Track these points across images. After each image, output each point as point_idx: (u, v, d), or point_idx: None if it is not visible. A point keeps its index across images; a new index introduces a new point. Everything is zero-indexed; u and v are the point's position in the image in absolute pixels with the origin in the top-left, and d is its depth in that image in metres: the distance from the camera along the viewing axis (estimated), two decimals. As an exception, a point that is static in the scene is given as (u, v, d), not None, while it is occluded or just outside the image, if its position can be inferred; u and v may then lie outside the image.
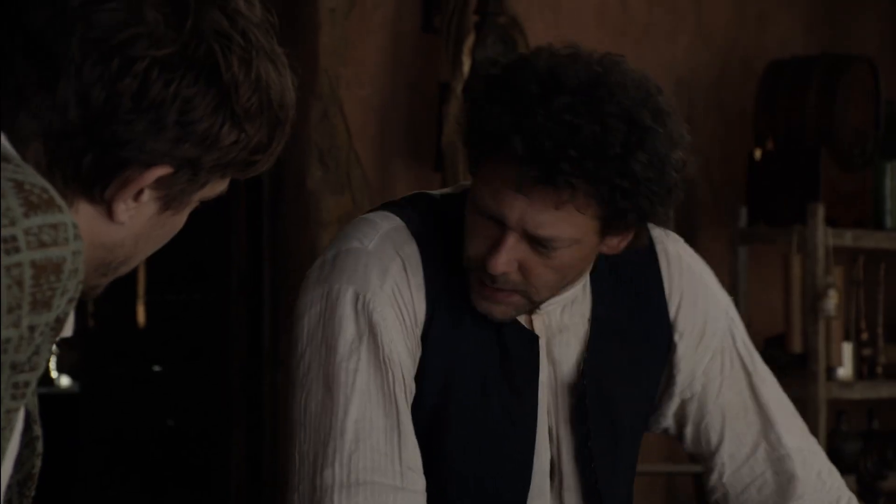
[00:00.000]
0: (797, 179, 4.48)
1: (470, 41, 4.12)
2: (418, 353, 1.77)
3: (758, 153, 4.56)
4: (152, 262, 5.05)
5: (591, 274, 1.84)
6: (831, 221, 4.49)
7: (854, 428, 4.65)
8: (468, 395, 1.78)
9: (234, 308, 4.30)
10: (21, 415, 1.26)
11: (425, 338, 1.76)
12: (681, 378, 1.90)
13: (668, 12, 4.71)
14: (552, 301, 1.80)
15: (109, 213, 1.26)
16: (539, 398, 1.81)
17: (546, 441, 1.82)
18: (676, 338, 1.89)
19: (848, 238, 4.55)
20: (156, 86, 1.22)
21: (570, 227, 1.69)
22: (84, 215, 1.26)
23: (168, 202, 1.28)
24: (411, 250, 1.76)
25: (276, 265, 4.21)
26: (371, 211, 1.83)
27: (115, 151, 1.23)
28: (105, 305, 5.02)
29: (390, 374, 1.74)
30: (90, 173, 1.24)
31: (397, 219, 1.78)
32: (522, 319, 1.81)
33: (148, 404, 4.80)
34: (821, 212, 4.43)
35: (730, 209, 4.65)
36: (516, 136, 1.65)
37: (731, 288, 4.51)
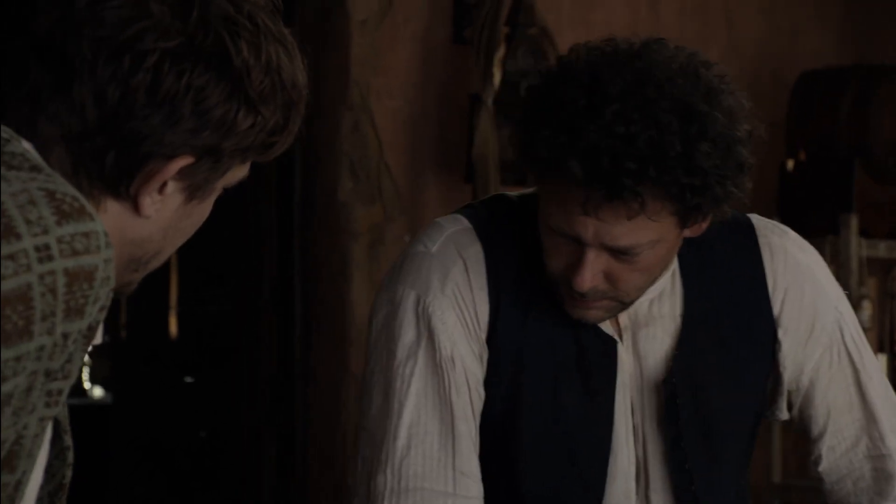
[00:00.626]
0: (830, 190, 4.46)
1: (501, 52, 4.12)
2: (485, 356, 1.75)
3: (790, 164, 4.54)
4: (184, 272, 5.07)
5: (681, 269, 1.81)
6: (864, 232, 4.46)
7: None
8: (539, 396, 1.76)
9: (265, 318, 4.31)
10: (49, 424, 1.26)
11: (490, 340, 1.75)
12: (787, 374, 1.86)
13: (700, 24, 4.70)
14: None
15: (136, 208, 1.27)
16: (617, 399, 1.77)
17: (627, 442, 1.78)
18: (781, 334, 1.85)
19: (881, 249, 4.52)
20: (168, 78, 1.23)
21: (647, 232, 1.66)
22: (112, 213, 1.27)
23: (193, 192, 1.29)
24: (475, 251, 1.76)
25: (306, 276, 4.22)
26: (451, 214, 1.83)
27: (135, 147, 1.24)
28: (137, 316, 5.04)
29: (447, 377, 1.73)
30: (114, 171, 1.25)
31: (465, 221, 1.78)
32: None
33: (179, 415, 4.81)
34: (854, 223, 4.41)
35: (762, 220, 4.63)
36: (572, 159, 1.61)
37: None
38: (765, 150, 5.34)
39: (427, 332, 1.73)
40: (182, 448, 4.79)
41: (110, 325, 5.58)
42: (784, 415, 1.90)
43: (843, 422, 1.88)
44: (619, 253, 1.67)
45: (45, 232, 1.14)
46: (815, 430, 1.89)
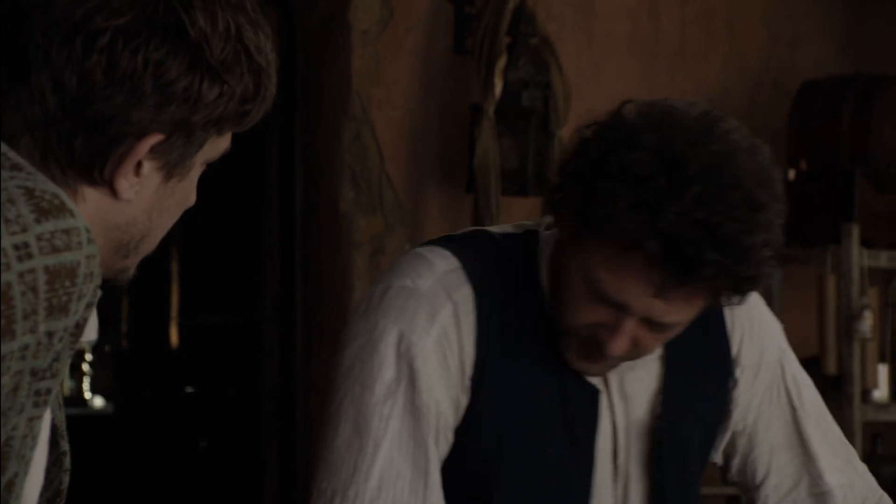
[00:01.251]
0: (832, 200, 4.46)
1: (502, 62, 4.12)
2: (464, 402, 1.72)
3: (792, 174, 4.54)
4: (185, 283, 5.05)
5: None
6: (866, 242, 4.46)
7: (890, 451, 4.61)
8: (521, 445, 1.73)
9: (267, 329, 4.30)
10: (47, 426, 1.26)
11: (477, 385, 1.71)
12: (736, 413, 1.87)
13: (701, 34, 4.70)
14: None
15: (114, 193, 1.25)
16: (599, 446, 1.77)
17: (608, 487, 1.78)
18: (738, 373, 1.86)
19: (883, 259, 4.51)
20: (124, 56, 1.21)
21: (694, 311, 1.67)
22: (91, 201, 1.25)
23: (171, 169, 1.27)
24: (465, 294, 1.71)
25: (308, 286, 4.21)
26: (427, 244, 1.77)
27: (102, 129, 1.22)
28: (138, 326, 5.03)
29: (425, 421, 1.69)
30: (84, 156, 1.23)
31: (455, 260, 1.72)
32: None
33: (180, 425, 4.81)
34: (856, 232, 4.40)
35: (763, 230, 4.63)
36: (651, 238, 1.58)
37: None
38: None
39: (408, 372, 1.69)
40: (183, 458, 4.79)
41: (112, 335, 5.58)
42: (718, 457, 1.90)
43: (783, 460, 1.89)
44: (658, 326, 1.67)
45: (24, 230, 1.13)
46: (761, 472, 1.88)
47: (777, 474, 1.88)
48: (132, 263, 1.32)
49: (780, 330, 1.92)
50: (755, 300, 1.89)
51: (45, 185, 1.17)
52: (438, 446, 1.72)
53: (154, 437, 4.94)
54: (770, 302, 4.56)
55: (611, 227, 1.61)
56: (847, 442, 1.94)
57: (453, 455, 1.74)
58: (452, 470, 1.73)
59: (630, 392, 1.79)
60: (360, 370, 1.70)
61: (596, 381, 1.77)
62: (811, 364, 4.47)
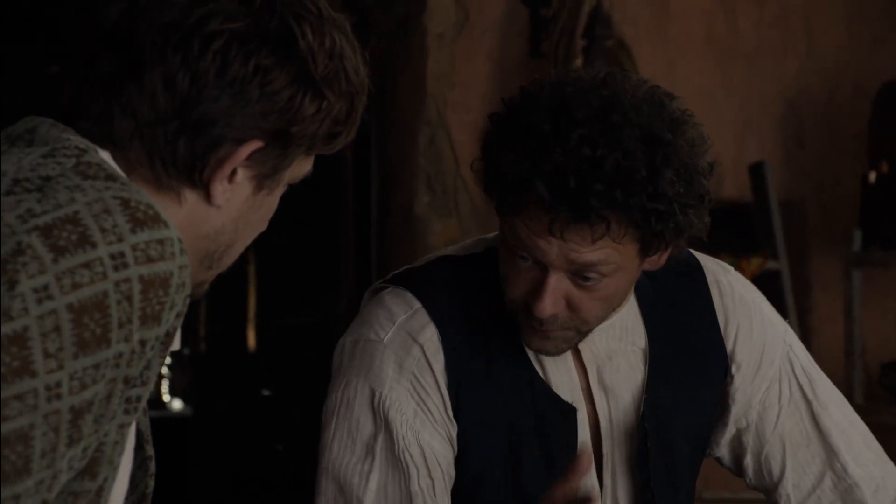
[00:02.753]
0: (912, 203, 4.40)
1: (578, 65, 4.11)
2: (455, 433, 1.74)
3: (872, 176, 4.49)
4: (263, 286, 5.08)
5: (641, 307, 1.81)
6: (948, 245, 4.39)
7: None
8: (500, 469, 1.75)
9: (343, 331, 4.32)
10: (133, 432, 1.28)
11: (457, 416, 1.73)
12: (735, 408, 1.84)
13: (779, 34, 4.66)
14: (597, 328, 1.76)
15: (208, 197, 1.28)
16: (581, 447, 1.75)
17: (594, 490, 1.76)
18: (734, 370, 1.84)
19: (965, 262, 4.45)
20: (236, 60, 1.24)
21: (610, 256, 1.66)
22: (188, 203, 1.28)
23: (261, 180, 1.30)
24: (430, 334, 1.74)
25: (383, 290, 4.22)
26: (390, 282, 1.80)
27: (206, 130, 1.25)
28: (216, 329, 5.07)
29: (405, 469, 1.72)
30: (187, 157, 1.26)
31: (415, 301, 1.75)
32: (569, 352, 1.76)
33: (257, 428, 4.84)
34: (937, 235, 4.34)
35: (843, 233, 4.58)
36: (538, 180, 1.62)
37: (846, 313, 4.44)
38: (846, 162, 5.24)
39: (384, 425, 1.72)
40: (259, 461, 4.82)
41: (190, 338, 5.63)
42: (721, 450, 1.87)
43: (803, 456, 1.85)
44: (581, 279, 1.67)
45: (120, 240, 1.16)
46: (776, 470, 1.85)
47: (797, 472, 1.85)
48: (212, 276, 1.35)
49: (784, 326, 1.89)
50: (756, 299, 1.87)
51: (140, 195, 1.19)
52: (444, 486, 1.74)
53: (231, 440, 4.97)
54: (850, 306, 4.53)
55: (507, 182, 1.65)
56: (874, 438, 1.89)
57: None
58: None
59: (610, 384, 1.78)
60: (337, 429, 1.75)
61: (570, 397, 1.77)
62: (892, 368, 4.42)
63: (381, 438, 1.73)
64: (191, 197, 1.28)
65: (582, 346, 1.77)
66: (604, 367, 1.79)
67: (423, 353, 1.73)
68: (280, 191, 1.33)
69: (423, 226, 4.13)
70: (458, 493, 1.76)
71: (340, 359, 1.78)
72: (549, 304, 1.67)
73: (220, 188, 1.28)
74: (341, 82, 1.29)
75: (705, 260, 1.87)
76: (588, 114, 1.63)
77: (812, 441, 1.85)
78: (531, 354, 1.75)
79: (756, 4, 4.62)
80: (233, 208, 1.30)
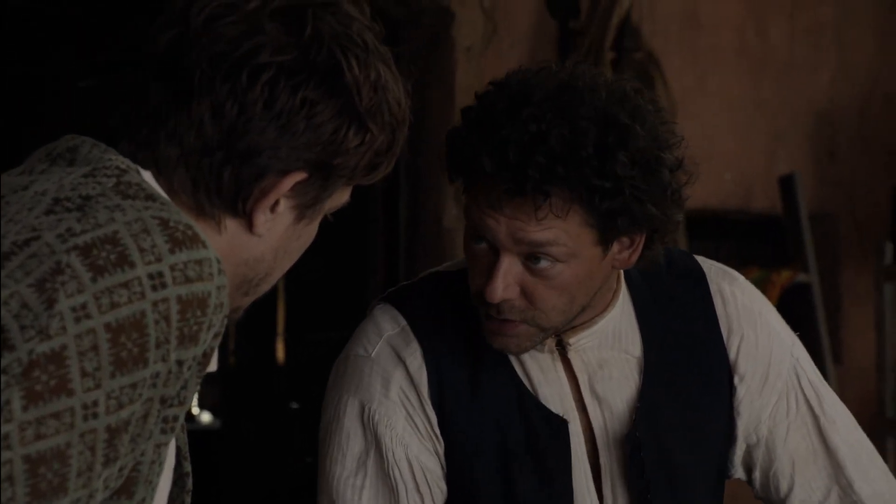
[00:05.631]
0: (945, 215, 4.37)
1: (607, 78, 4.10)
2: (442, 449, 1.74)
3: (904, 188, 4.46)
4: (292, 300, 5.08)
5: (638, 314, 1.78)
6: (981, 258, 4.36)
7: None
8: (493, 484, 1.74)
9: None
10: (173, 450, 1.28)
11: (444, 433, 1.74)
12: (742, 423, 1.82)
13: (810, 47, 4.64)
14: (582, 335, 1.75)
15: (250, 226, 1.29)
16: (576, 476, 1.74)
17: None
18: (737, 380, 1.81)
19: None
20: (284, 93, 1.25)
21: (559, 237, 1.64)
22: (230, 231, 1.28)
23: (302, 210, 1.30)
24: (413, 351, 1.74)
25: (412, 303, 4.22)
26: (383, 300, 1.81)
27: (252, 161, 1.26)
28: (245, 343, 5.08)
29: (395, 486, 1.73)
30: (231, 186, 1.27)
31: (401, 319, 1.76)
32: (558, 361, 1.75)
33: (286, 441, 4.84)
34: (970, 248, 4.31)
35: (874, 246, 4.55)
36: (483, 153, 1.62)
37: (877, 326, 4.41)
38: (878, 174, 5.22)
39: (374, 440, 1.73)
40: (288, 474, 4.82)
41: (219, 352, 5.64)
42: (735, 469, 1.85)
43: (809, 472, 1.82)
44: (532, 260, 1.65)
45: (159, 260, 1.16)
46: (784, 486, 1.83)
47: (804, 488, 1.83)
48: (247, 303, 1.36)
49: (792, 338, 1.86)
50: (762, 310, 1.84)
51: (179, 216, 1.20)
52: (434, 499, 1.74)
53: (260, 453, 4.98)
54: (881, 318, 4.50)
55: (460, 158, 1.66)
56: (879, 456, 1.87)
57: None
58: None
59: (602, 393, 1.76)
60: (330, 445, 1.75)
61: (563, 398, 1.75)
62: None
63: (371, 453, 1.74)
64: (231, 225, 1.29)
65: (572, 355, 1.75)
66: (595, 375, 1.76)
67: (407, 369, 1.74)
68: (319, 219, 1.34)
69: (452, 238, 4.13)
70: None
71: (334, 376, 1.79)
72: (500, 287, 1.65)
73: (262, 218, 1.28)
74: (384, 115, 1.30)
75: (709, 267, 1.84)
76: (543, 94, 1.63)
77: (819, 456, 1.83)
78: (518, 367, 1.74)
79: (787, 16, 4.60)
80: (274, 237, 1.30)
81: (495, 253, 1.66)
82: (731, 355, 1.81)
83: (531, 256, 1.65)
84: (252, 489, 5.01)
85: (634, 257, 1.70)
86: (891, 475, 1.85)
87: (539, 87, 1.64)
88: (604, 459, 1.76)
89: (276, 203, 1.28)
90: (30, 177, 1.23)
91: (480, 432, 1.74)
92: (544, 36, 4.22)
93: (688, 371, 1.79)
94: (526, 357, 1.74)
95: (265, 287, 1.34)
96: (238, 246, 1.29)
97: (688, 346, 1.80)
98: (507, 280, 1.66)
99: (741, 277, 1.86)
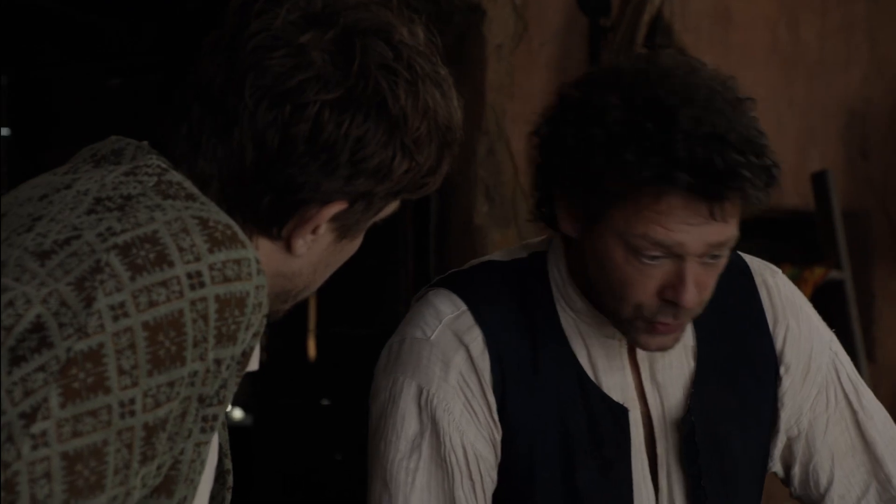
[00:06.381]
0: (978, 212, 4.35)
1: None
2: (499, 437, 1.73)
3: (936, 186, 4.44)
4: (323, 296, 5.10)
5: None
6: None
7: None
8: (552, 472, 1.73)
9: (402, 342, 4.32)
10: (215, 448, 1.29)
11: (503, 420, 1.72)
12: (786, 414, 1.83)
13: (842, 44, 4.62)
14: None
15: (288, 248, 1.28)
16: (634, 465, 1.74)
17: (649, 492, 1.76)
18: (782, 371, 1.82)
19: None
20: (328, 128, 1.24)
21: (735, 227, 1.66)
22: (263, 249, 1.29)
23: (344, 232, 1.30)
24: (475, 335, 1.72)
25: (443, 300, 4.22)
26: (436, 285, 1.78)
27: (291, 193, 1.26)
28: (277, 339, 5.09)
29: (451, 470, 1.71)
30: (268, 214, 1.27)
31: (461, 303, 1.74)
32: (624, 349, 1.75)
33: (317, 437, 4.85)
34: None
35: (907, 244, 4.54)
36: (677, 171, 1.58)
37: (909, 324, 4.39)
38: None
39: (431, 424, 1.71)
40: (319, 471, 4.83)
41: (249, 348, 5.64)
42: (775, 463, 1.85)
43: (848, 466, 1.83)
44: (710, 258, 1.65)
45: (198, 259, 1.16)
46: (824, 480, 1.83)
47: (842, 483, 1.83)
48: (287, 308, 1.36)
49: (830, 334, 1.87)
50: (803, 304, 1.85)
51: (219, 215, 1.20)
52: (483, 490, 1.73)
53: (291, 449, 4.99)
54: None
55: (629, 186, 1.61)
56: None
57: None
58: None
59: (662, 381, 1.77)
60: (384, 427, 1.73)
61: (620, 398, 1.75)
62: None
63: (427, 437, 1.72)
64: (266, 245, 1.28)
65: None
66: (656, 364, 1.77)
67: (469, 354, 1.72)
68: (362, 234, 1.33)
69: (482, 236, 4.13)
70: (509, 497, 1.74)
71: (387, 358, 1.76)
72: (694, 293, 1.65)
73: (301, 242, 1.28)
74: (432, 140, 1.29)
75: (752, 261, 1.85)
76: (677, 101, 1.61)
77: (857, 451, 1.84)
78: (583, 355, 1.74)
79: (819, 13, 4.58)
80: (314, 255, 1.30)
81: (675, 261, 1.65)
82: (778, 345, 1.83)
83: (710, 254, 1.65)
84: (282, 484, 5.03)
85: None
86: None
87: (659, 93, 1.62)
88: (660, 447, 1.77)
89: (317, 227, 1.28)
90: (73, 175, 1.24)
91: (541, 420, 1.73)
92: (575, 33, 4.21)
93: (737, 360, 1.80)
94: (594, 345, 1.74)
95: (305, 295, 1.34)
96: (276, 262, 1.29)
97: (736, 336, 1.81)
98: (696, 283, 1.65)
99: (781, 272, 1.88)
